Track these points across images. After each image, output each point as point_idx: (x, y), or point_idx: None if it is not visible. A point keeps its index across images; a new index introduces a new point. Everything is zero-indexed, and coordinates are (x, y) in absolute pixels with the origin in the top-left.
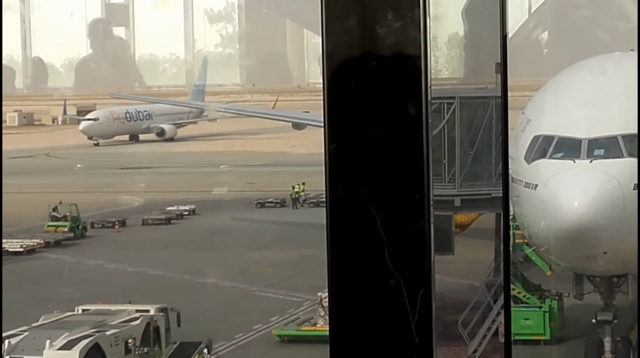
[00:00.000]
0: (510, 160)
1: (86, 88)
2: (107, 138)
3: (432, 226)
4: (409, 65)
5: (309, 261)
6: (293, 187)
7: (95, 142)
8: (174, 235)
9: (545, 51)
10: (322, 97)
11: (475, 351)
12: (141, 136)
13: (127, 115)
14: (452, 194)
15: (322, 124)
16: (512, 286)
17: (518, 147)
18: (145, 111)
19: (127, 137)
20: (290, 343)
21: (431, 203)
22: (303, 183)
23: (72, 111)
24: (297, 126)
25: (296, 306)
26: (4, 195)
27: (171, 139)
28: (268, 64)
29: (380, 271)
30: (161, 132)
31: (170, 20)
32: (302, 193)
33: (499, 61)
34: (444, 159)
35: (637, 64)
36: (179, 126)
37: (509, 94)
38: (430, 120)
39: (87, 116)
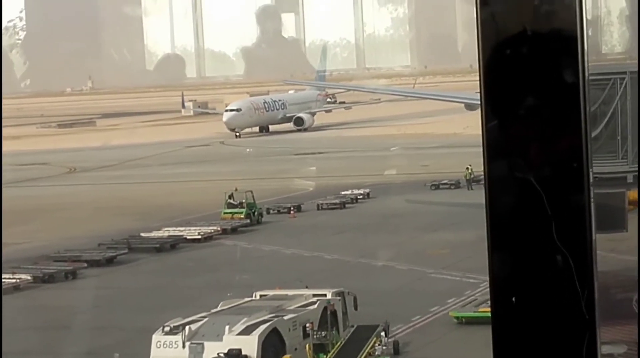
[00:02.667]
0: None
1: (258, 75)
2: (244, 129)
3: (592, 198)
4: (564, 33)
5: (485, 242)
6: (467, 168)
7: (237, 134)
8: (349, 219)
9: None
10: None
11: None
12: (271, 128)
13: (266, 105)
14: (624, 171)
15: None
16: None
17: None
18: (280, 100)
19: (256, 129)
20: (468, 324)
21: (591, 175)
22: None
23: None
24: (470, 107)
25: (473, 288)
26: (182, 184)
27: (304, 130)
28: (439, 45)
29: (544, 246)
30: (299, 122)
31: (339, 5)
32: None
33: None
34: (618, 135)
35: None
36: (313, 114)
37: None
38: (588, 88)
39: (229, 107)
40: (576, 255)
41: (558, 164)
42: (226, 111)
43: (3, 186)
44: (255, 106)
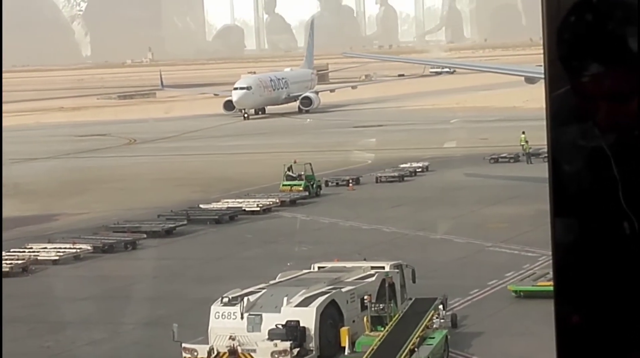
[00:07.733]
0: None
1: (319, 48)
2: (252, 109)
3: None
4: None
5: (544, 216)
6: (523, 132)
7: (245, 114)
8: (407, 192)
9: None
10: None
11: None
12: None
13: (272, 83)
14: None
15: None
16: None
17: None
18: (283, 78)
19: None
20: (526, 298)
21: None
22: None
23: None
24: (530, 81)
25: (532, 262)
26: (241, 155)
27: (307, 112)
28: (500, 18)
29: (611, 213)
30: (307, 102)
31: None
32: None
33: None
34: None
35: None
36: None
37: None
38: None
39: (238, 84)
40: None
41: (623, 131)
42: (235, 89)
43: (63, 157)
44: (264, 84)
